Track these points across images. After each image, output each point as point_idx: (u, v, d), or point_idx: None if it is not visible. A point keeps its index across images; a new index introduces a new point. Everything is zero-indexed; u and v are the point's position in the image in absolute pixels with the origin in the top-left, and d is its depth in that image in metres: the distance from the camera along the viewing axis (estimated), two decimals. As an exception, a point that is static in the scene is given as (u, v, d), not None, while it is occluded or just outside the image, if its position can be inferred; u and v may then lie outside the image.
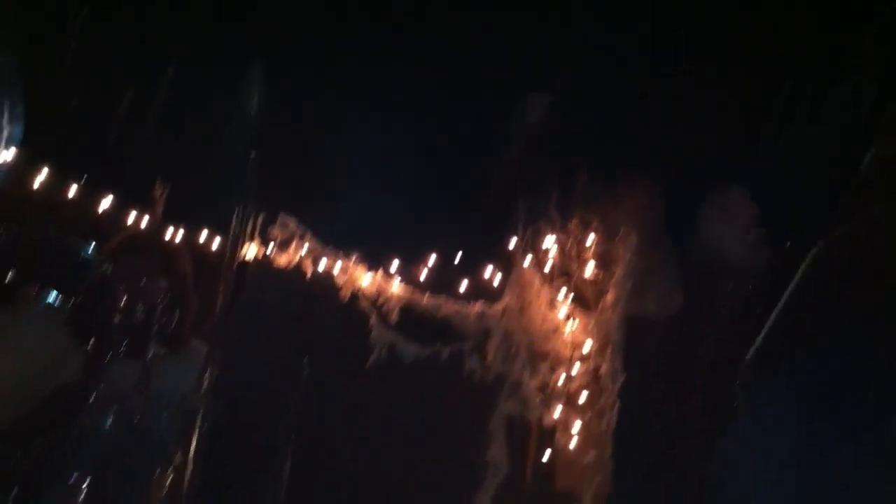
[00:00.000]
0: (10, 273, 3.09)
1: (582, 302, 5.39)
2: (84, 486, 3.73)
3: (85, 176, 4.90)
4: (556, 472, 5.35)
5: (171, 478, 4.05)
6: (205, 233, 4.98)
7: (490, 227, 5.37)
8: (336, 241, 5.30)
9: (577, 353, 5.31)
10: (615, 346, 5.16)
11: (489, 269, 5.36)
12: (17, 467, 3.42)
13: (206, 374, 3.92)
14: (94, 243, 3.28)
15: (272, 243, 5.21)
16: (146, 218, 4.84)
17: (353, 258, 5.30)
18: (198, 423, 3.84)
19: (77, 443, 3.72)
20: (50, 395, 3.26)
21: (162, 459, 4.05)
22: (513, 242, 5.37)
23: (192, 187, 4.92)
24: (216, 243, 4.96)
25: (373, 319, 5.26)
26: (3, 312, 3.13)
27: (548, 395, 5.27)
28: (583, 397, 5.24)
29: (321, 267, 5.27)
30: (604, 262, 5.32)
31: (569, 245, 5.34)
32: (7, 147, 4.69)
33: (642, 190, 5.21)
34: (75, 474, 3.74)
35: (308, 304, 5.14)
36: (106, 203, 4.87)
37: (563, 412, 5.24)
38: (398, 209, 5.29)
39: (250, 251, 5.02)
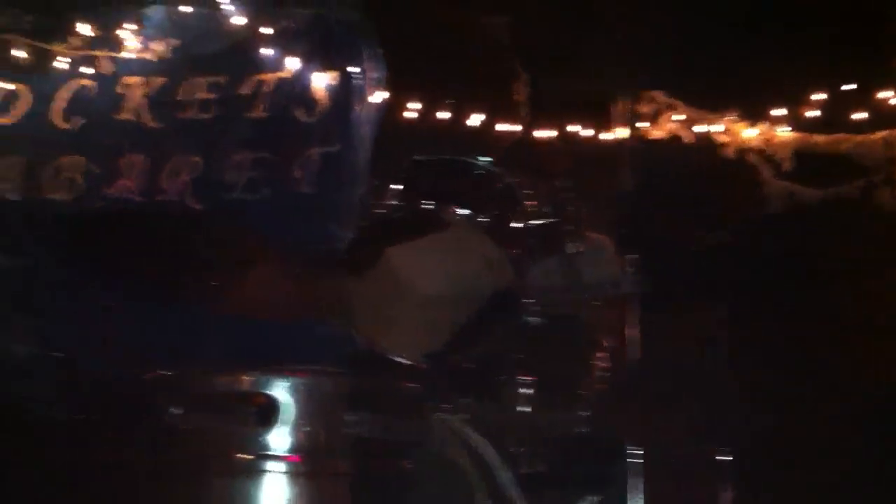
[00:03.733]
0: (424, 201, 3.23)
1: None
2: (530, 380, 3.88)
3: (452, 99, 5.04)
4: None
5: (605, 363, 4.12)
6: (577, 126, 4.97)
7: (874, 44, 4.87)
8: (708, 103, 5.08)
9: None
10: None
11: (888, 91, 4.87)
12: (471, 374, 3.59)
13: (624, 261, 3.91)
14: (489, 158, 3.34)
15: (642, 121, 5.09)
16: (519, 125, 4.91)
17: (731, 115, 5.06)
18: (628, 308, 3.86)
19: (515, 340, 3.86)
20: (490, 298, 3.38)
21: (594, 346, 4.12)
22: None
23: (556, 82, 4.91)
24: (587, 133, 4.93)
25: (765, 172, 5.01)
26: (431, 235, 3.28)
27: None
28: None
29: (699, 132, 5.08)
30: None
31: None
32: (375, 90, 4.91)
33: None
34: (520, 370, 3.89)
35: (693, 170, 4.99)
36: (478, 119, 5.00)
37: None
38: (766, 53, 4.97)
39: (624, 133, 4.94)
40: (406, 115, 5.08)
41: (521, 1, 5.20)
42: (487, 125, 4.96)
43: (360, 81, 4.79)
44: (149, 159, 4.78)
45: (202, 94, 4.82)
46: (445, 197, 3.46)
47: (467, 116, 5.03)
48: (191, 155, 4.76)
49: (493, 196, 3.53)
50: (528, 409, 3.84)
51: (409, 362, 3.42)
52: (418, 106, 5.07)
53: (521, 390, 3.73)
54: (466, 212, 3.33)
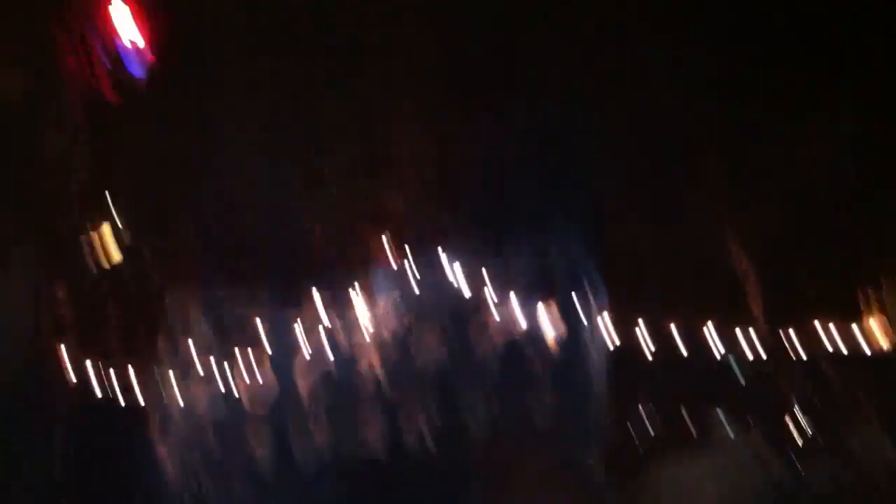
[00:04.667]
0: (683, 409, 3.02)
1: None
2: None
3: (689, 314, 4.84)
4: None
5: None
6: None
7: None
8: None
9: None
10: None
11: None
12: None
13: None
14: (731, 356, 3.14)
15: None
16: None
17: None
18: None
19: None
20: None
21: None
22: None
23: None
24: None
25: None
26: (700, 452, 3.02)
27: None
28: None
29: None
30: None
31: None
32: (601, 316, 4.87)
33: None
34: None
35: None
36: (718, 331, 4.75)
37: None
38: None
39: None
40: (637, 334, 4.93)
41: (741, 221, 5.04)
42: (731, 336, 4.71)
43: (585, 311, 4.82)
44: (389, 408, 4.89)
45: (432, 345, 4.97)
46: (708, 412, 3.21)
47: (704, 325, 4.81)
48: (428, 402, 4.87)
49: (761, 406, 3.27)
50: None
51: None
52: (650, 328, 4.91)
53: None
54: (735, 426, 3.08)
